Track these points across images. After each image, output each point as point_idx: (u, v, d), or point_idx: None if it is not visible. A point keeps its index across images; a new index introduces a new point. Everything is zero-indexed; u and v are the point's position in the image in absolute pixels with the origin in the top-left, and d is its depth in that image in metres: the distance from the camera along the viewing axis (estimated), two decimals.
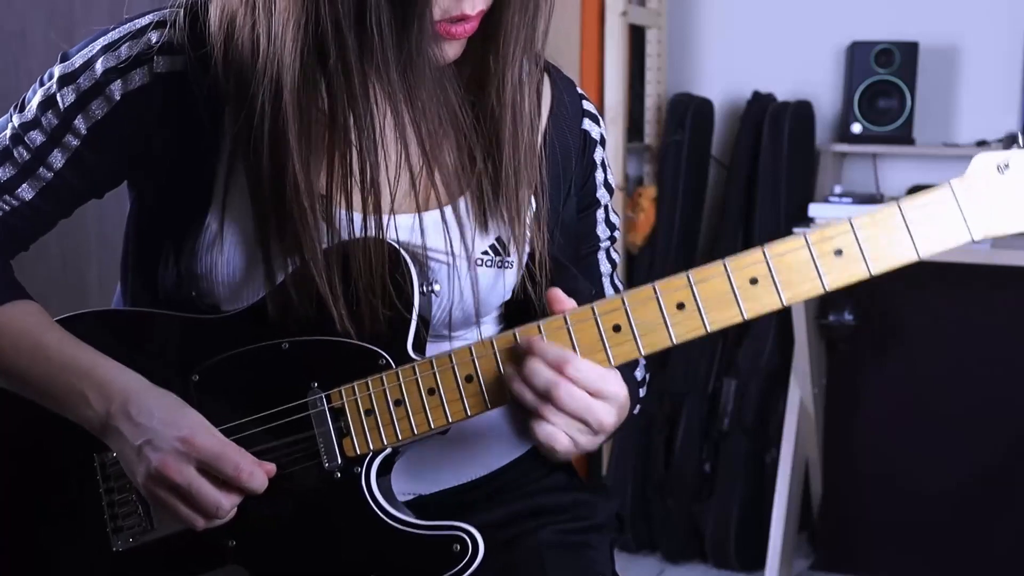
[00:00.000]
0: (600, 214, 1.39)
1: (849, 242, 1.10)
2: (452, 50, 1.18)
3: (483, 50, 1.21)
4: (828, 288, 1.10)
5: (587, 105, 1.37)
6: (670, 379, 3.40)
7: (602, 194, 1.38)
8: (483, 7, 1.14)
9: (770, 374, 3.37)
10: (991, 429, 3.19)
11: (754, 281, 1.12)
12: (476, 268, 1.26)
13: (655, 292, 1.14)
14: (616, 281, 1.43)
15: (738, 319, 1.13)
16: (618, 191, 3.32)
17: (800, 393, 3.22)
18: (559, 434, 1.14)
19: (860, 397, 3.34)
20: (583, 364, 1.13)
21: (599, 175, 1.37)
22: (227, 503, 1.18)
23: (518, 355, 1.15)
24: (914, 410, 3.27)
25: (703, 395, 3.41)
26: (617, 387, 1.16)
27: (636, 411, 1.37)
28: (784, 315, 3.22)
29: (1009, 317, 3.18)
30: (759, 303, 1.12)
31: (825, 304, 3.25)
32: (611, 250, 1.42)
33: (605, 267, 1.42)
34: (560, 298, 1.16)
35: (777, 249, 1.11)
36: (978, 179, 1.08)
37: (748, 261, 1.12)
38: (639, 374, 1.39)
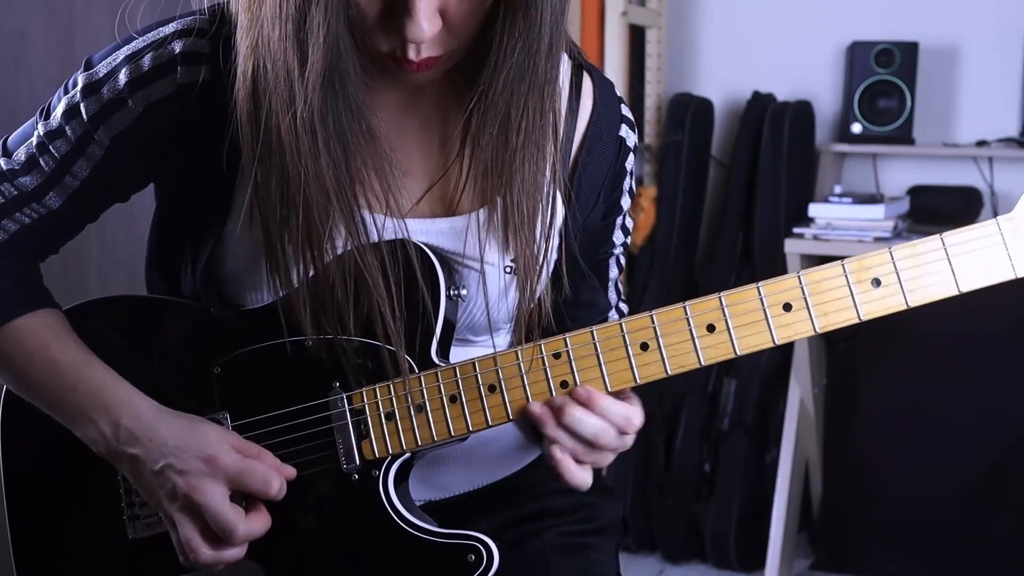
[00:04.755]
0: (619, 220, 1.38)
1: (888, 272, 1.09)
2: (416, 79, 1.14)
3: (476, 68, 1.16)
4: (863, 318, 1.10)
5: (625, 110, 1.34)
6: (670, 379, 3.37)
7: (625, 200, 1.37)
8: (430, 54, 1.10)
9: (770, 374, 3.37)
10: (991, 429, 3.19)
11: (787, 307, 1.11)
12: (504, 274, 1.24)
13: (685, 312, 1.13)
14: (619, 285, 1.44)
15: (769, 344, 1.13)
16: None
17: (800, 393, 3.22)
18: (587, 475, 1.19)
19: (860, 397, 3.34)
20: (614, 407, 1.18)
21: (626, 183, 1.36)
22: (242, 529, 1.17)
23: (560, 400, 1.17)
24: (914, 410, 3.27)
25: (703, 395, 3.41)
26: (639, 422, 1.20)
27: None
28: None
29: (1010, 317, 3.18)
30: (791, 329, 1.12)
31: None
32: (620, 256, 1.42)
33: (613, 272, 1.42)
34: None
35: (813, 276, 1.10)
36: None
37: (783, 286, 1.11)
38: None
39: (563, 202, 1.27)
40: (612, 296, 1.42)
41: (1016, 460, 3.17)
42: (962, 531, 3.20)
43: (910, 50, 3.32)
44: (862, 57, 3.34)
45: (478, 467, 1.34)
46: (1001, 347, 3.21)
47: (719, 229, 3.51)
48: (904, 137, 3.33)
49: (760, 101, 3.45)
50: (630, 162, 1.35)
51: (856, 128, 3.36)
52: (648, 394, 1.38)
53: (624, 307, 1.45)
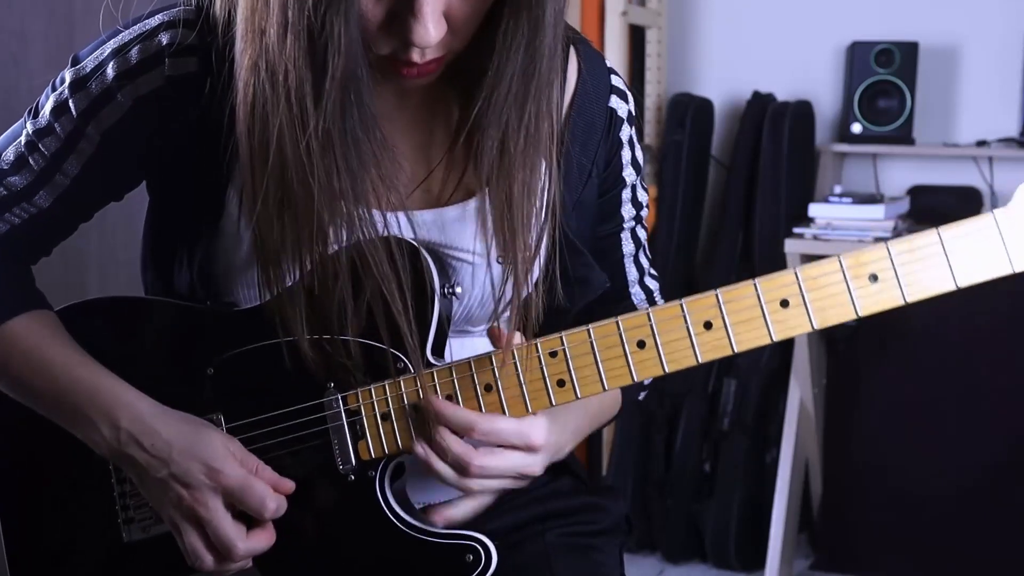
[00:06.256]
0: (626, 194, 1.34)
1: (885, 268, 1.08)
2: (415, 84, 1.14)
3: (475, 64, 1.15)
4: (861, 314, 1.08)
5: (615, 81, 1.31)
6: (670, 379, 3.37)
7: (628, 173, 1.33)
8: (436, 55, 1.09)
9: (770, 374, 3.37)
10: (991, 429, 3.19)
11: (785, 303, 1.10)
12: (497, 264, 1.21)
13: (682, 310, 1.13)
14: (642, 259, 1.39)
15: (766, 340, 1.11)
16: None
17: (800, 393, 3.22)
18: (475, 503, 1.20)
19: (860, 397, 3.34)
20: (492, 426, 1.15)
21: (625, 154, 1.32)
22: (242, 547, 1.17)
23: (428, 416, 1.16)
24: (914, 410, 3.27)
25: (703, 395, 3.41)
26: (541, 437, 1.17)
27: (641, 397, 1.41)
28: None
29: (1009, 317, 3.18)
30: (788, 326, 1.11)
31: None
32: (637, 229, 1.38)
33: (628, 247, 1.38)
34: (499, 334, 1.17)
35: (810, 272, 1.09)
36: (1022, 209, 1.06)
37: (780, 283, 1.10)
38: None
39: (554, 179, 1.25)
40: (632, 272, 1.38)
41: (1016, 460, 3.17)
42: (962, 531, 3.19)
43: (910, 50, 3.32)
44: (862, 57, 3.35)
45: None
46: (1001, 347, 3.21)
47: (719, 229, 3.51)
48: (904, 137, 3.33)
49: (760, 101, 3.45)
50: (626, 133, 1.32)
51: (856, 128, 3.36)
52: (648, 394, 1.37)
53: (652, 283, 1.41)
